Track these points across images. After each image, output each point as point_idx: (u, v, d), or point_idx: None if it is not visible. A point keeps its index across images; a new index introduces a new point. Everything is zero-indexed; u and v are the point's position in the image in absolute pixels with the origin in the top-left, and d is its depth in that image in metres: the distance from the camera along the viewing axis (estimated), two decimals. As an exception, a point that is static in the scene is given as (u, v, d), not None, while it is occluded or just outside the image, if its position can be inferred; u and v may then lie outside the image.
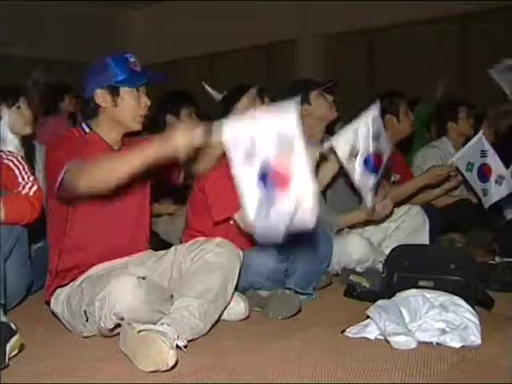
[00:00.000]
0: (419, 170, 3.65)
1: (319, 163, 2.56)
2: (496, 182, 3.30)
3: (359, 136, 2.47)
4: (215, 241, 2.13)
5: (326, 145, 2.43)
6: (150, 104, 2.16)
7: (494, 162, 3.28)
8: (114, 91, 2.09)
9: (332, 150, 2.50)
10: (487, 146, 3.29)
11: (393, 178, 3.46)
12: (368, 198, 2.56)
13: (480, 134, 3.30)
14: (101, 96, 2.09)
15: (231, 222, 2.48)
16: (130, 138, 2.24)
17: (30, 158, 2.81)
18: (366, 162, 2.50)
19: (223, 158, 2.00)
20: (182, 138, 1.83)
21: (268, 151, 1.77)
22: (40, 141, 3.08)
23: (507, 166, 3.32)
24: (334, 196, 2.94)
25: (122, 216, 2.17)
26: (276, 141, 1.76)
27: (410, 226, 3.09)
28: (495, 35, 6.77)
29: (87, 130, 2.14)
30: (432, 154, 3.76)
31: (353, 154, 2.45)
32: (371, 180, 2.54)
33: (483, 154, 3.26)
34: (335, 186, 2.89)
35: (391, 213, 2.94)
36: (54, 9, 8.99)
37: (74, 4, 9.07)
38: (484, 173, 3.30)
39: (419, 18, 7.10)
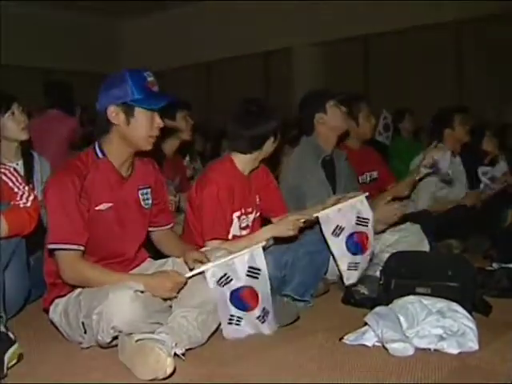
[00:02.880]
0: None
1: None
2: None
3: (345, 217, 2.51)
4: (214, 251, 2.14)
5: (315, 214, 2.47)
6: (162, 126, 2.11)
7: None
8: (129, 110, 2.03)
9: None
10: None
11: (368, 178, 3.48)
12: (344, 275, 2.55)
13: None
14: (114, 112, 2.03)
15: (229, 237, 2.49)
16: (143, 160, 2.23)
17: (28, 167, 2.80)
18: (348, 240, 2.53)
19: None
20: (163, 286, 1.99)
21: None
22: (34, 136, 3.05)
23: None
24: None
25: (121, 227, 2.16)
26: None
27: (408, 243, 3.09)
28: (491, 42, 6.81)
29: (100, 154, 2.10)
30: None
31: (336, 232, 2.49)
32: (355, 259, 2.55)
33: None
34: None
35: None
36: (48, 18, 9.02)
37: (71, 15, 9.11)
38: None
39: (415, 24, 7.14)
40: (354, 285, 2.64)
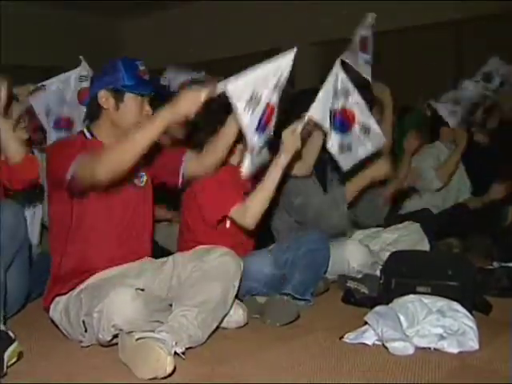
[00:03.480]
0: (416, 169, 3.69)
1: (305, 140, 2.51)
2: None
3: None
4: (216, 250, 2.13)
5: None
6: (151, 113, 2.14)
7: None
8: (119, 95, 2.09)
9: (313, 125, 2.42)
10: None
11: None
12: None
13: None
14: (104, 97, 2.09)
15: (227, 226, 2.48)
16: None
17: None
18: (332, 120, 2.34)
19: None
20: (187, 99, 1.90)
21: (268, 98, 2.05)
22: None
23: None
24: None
25: (127, 221, 2.18)
26: (274, 87, 2.06)
27: (408, 242, 3.09)
28: (491, 41, 6.79)
29: (89, 136, 2.15)
30: (428, 152, 3.80)
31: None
32: (339, 138, 2.34)
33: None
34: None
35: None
36: (48, 18, 9.02)
37: (71, 14, 9.11)
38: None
39: (415, 24, 7.13)
40: (356, 279, 2.66)
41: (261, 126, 2.11)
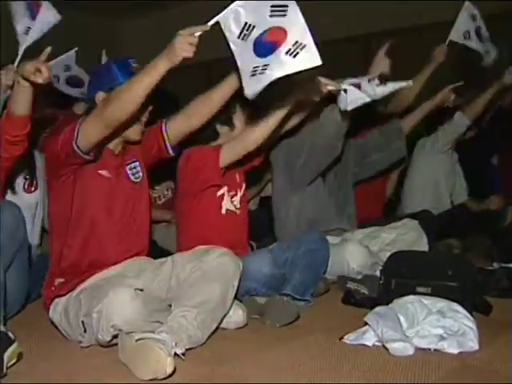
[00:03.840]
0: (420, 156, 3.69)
1: None
2: None
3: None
4: (215, 250, 2.13)
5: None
6: (150, 109, 2.19)
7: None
8: None
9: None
10: None
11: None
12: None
13: None
14: (102, 98, 2.11)
15: (223, 212, 2.56)
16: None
17: (30, 165, 2.80)
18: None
19: None
20: (182, 42, 1.94)
21: (261, 28, 1.87)
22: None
23: None
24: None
25: (127, 217, 2.21)
26: (268, 18, 1.86)
27: (406, 241, 3.09)
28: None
29: None
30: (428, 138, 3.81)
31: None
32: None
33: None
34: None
35: None
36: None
37: (71, 14, 9.11)
38: None
39: (416, 24, 7.13)
40: (356, 280, 2.67)
41: (262, 48, 1.87)
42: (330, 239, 2.80)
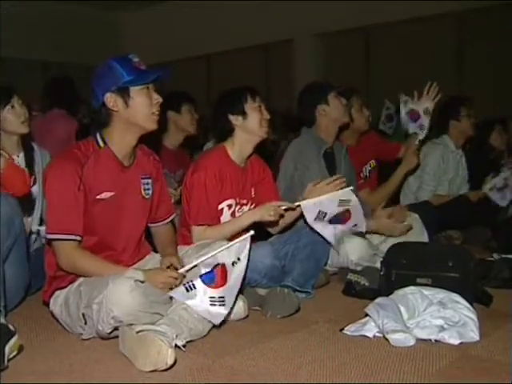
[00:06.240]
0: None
1: None
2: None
3: (326, 204, 2.50)
4: (216, 244, 2.13)
5: (296, 202, 2.49)
6: (161, 101, 2.13)
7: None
8: (124, 93, 2.05)
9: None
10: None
11: (368, 169, 3.49)
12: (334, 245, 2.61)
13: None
14: (111, 100, 2.05)
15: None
16: (144, 149, 2.26)
17: (29, 160, 2.80)
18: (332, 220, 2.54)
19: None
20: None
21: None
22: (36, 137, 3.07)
23: None
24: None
25: (121, 217, 2.17)
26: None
27: (406, 234, 3.09)
28: (493, 33, 6.77)
29: (101, 143, 2.11)
30: (433, 152, 3.75)
31: (319, 217, 2.50)
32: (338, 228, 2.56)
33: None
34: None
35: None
36: (47, 10, 8.99)
37: (70, 5, 9.08)
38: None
39: (417, 15, 7.11)
40: (357, 272, 2.68)
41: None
42: None
